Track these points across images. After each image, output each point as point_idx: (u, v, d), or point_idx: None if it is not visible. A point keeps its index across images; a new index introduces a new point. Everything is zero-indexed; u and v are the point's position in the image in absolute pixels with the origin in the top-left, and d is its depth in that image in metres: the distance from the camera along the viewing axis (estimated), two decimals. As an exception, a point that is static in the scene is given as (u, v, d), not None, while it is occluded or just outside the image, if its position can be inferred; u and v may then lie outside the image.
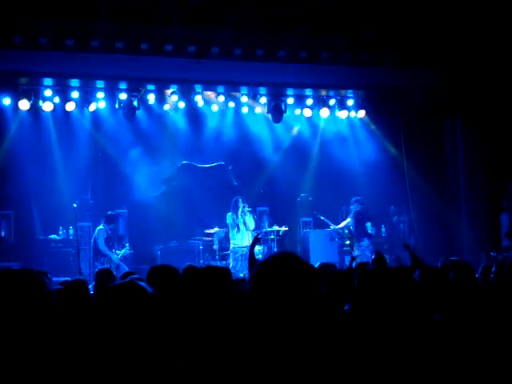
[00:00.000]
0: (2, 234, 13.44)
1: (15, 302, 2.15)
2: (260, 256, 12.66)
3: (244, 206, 13.04)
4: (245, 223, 12.99)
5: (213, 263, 12.97)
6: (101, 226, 12.72)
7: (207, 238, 14.07)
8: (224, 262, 13.20)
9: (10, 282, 2.19)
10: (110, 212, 13.00)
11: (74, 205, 12.80)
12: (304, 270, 2.71)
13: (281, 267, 2.67)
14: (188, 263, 6.37)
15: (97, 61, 12.10)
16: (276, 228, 14.23)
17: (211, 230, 13.92)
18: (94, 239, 12.71)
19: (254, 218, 13.35)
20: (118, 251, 12.98)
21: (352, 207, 13.89)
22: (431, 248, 13.24)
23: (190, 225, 14.61)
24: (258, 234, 10.74)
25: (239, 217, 13.05)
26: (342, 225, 14.22)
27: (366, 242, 13.53)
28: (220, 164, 14.87)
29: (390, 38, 12.63)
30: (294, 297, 2.60)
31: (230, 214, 13.16)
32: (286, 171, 15.13)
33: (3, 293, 2.16)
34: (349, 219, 13.99)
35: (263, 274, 2.68)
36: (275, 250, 13.81)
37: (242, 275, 10.44)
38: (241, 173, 14.85)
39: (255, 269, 2.78)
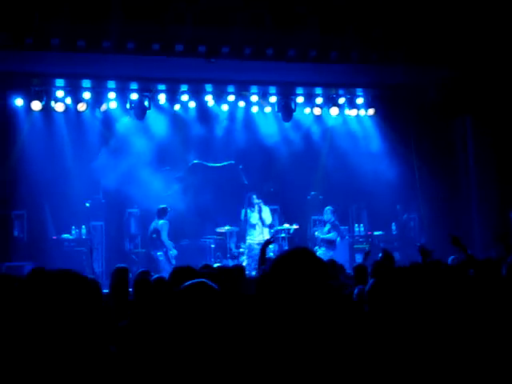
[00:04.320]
0: (16, 234, 13.52)
1: (72, 303, 2.20)
2: (271, 254, 12.69)
3: (260, 202, 13.20)
4: (261, 218, 13.13)
5: (224, 262, 13.04)
6: (163, 220, 13.26)
7: (219, 237, 14.15)
8: (236, 261, 13.25)
9: (68, 283, 2.24)
10: (161, 206, 13.41)
11: (87, 204, 12.93)
12: (319, 265, 2.77)
13: (297, 262, 2.72)
14: (204, 262, 6.41)
15: (108, 61, 12.17)
16: (287, 226, 14.27)
17: (222, 229, 14.00)
18: (156, 231, 13.21)
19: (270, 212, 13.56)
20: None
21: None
22: (441, 245, 13.22)
23: (202, 223, 14.66)
24: (273, 237, 10.77)
25: (254, 212, 13.18)
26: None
27: None
28: (230, 163, 14.92)
29: (399, 36, 12.64)
30: (310, 291, 2.65)
31: (244, 210, 13.30)
32: (296, 169, 15.13)
33: (61, 293, 2.21)
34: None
35: (280, 269, 2.73)
36: (286, 248, 13.84)
37: (254, 273, 10.49)
38: (251, 171, 14.89)
39: (271, 264, 2.83)
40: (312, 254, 2.80)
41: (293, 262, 2.70)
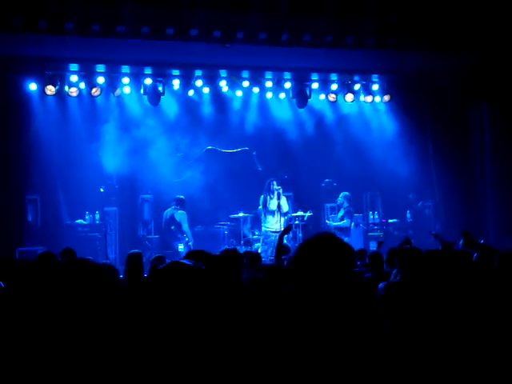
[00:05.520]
0: (29, 219, 13.52)
1: (88, 292, 2.14)
2: (285, 241, 12.58)
3: (279, 189, 13.09)
4: (279, 206, 13.02)
5: (238, 248, 12.97)
6: (181, 211, 13.44)
7: (232, 223, 14.11)
8: (249, 248, 13.19)
9: (82, 271, 2.17)
10: (179, 196, 13.57)
11: (101, 189, 12.93)
12: (346, 251, 2.71)
13: (324, 247, 2.66)
14: (226, 246, 6.38)
15: (122, 46, 12.13)
16: (301, 213, 14.18)
17: (236, 215, 13.95)
18: (174, 222, 13.38)
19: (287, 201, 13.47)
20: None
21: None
22: (457, 233, 13.13)
23: (215, 210, 14.62)
24: (291, 225, 10.68)
25: (273, 199, 13.07)
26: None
27: None
28: (244, 149, 14.85)
29: (416, 22, 12.51)
30: (338, 276, 2.59)
31: (262, 196, 13.20)
32: (311, 156, 15.05)
33: (75, 282, 2.15)
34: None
35: (306, 254, 2.67)
36: (300, 235, 13.78)
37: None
38: (265, 158, 14.82)
39: (297, 251, 2.77)
40: (338, 239, 2.75)
41: (321, 248, 2.64)
